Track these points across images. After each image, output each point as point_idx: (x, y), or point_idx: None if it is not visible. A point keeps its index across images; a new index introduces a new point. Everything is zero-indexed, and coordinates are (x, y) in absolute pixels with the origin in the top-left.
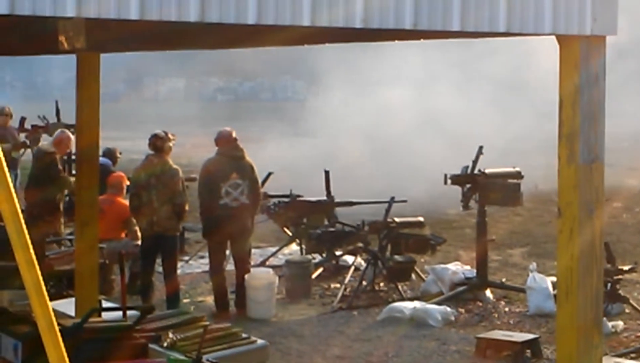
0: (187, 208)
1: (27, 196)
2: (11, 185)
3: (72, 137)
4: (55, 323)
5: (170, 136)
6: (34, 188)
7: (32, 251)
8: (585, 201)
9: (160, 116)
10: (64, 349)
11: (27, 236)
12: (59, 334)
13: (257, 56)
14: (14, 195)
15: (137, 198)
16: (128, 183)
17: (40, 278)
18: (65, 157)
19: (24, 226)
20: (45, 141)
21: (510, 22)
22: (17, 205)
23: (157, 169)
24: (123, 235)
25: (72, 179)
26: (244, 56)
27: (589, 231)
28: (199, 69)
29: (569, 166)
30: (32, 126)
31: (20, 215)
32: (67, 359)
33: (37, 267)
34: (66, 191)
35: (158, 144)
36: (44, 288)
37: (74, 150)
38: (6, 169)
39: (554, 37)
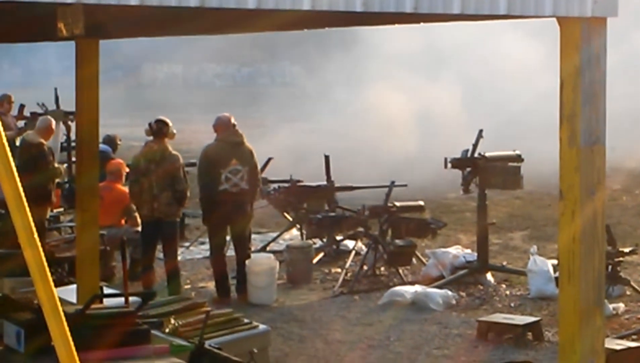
0: (188, 194)
1: None
2: (14, 167)
3: (57, 126)
4: (59, 303)
5: None
6: (21, 179)
7: (35, 233)
8: (586, 183)
9: (159, 102)
10: (67, 329)
11: (30, 218)
12: (62, 314)
13: (255, 41)
14: (16, 177)
15: (137, 184)
16: (127, 170)
17: (44, 259)
18: (65, 144)
19: (27, 208)
20: (30, 131)
21: (511, 5)
22: (20, 187)
23: (156, 156)
24: (123, 221)
25: (64, 166)
26: (241, 42)
27: (590, 213)
28: (196, 55)
29: (570, 148)
30: (31, 113)
31: (23, 197)
32: (70, 338)
33: (41, 249)
34: (66, 178)
35: (164, 129)
36: (47, 269)
37: (73, 137)
38: (9, 151)
39: (554, 19)
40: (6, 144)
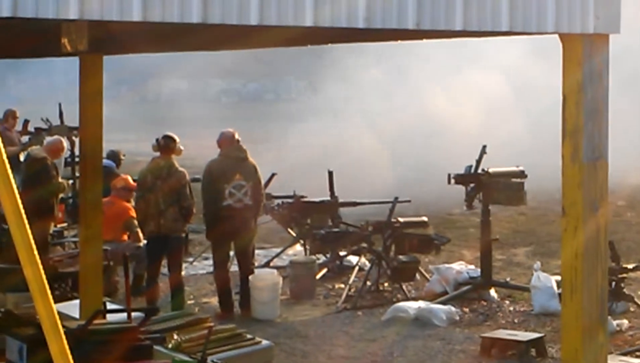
0: (194, 210)
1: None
2: (14, 184)
3: (65, 143)
4: (59, 322)
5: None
6: (25, 194)
7: (35, 249)
8: (589, 199)
9: (164, 117)
10: (67, 346)
11: (30, 235)
12: (62, 332)
13: (260, 56)
14: (16, 193)
15: (144, 200)
16: (134, 184)
17: (44, 277)
18: (69, 159)
19: (27, 224)
20: (35, 146)
21: (513, 21)
22: (19, 203)
23: (163, 171)
24: (125, 237)
25: (67, 181)
26: (247, 57)
27: (593, 229)
28: (201, 71)
29: (573, 164)
30: (36, 128)
31: (23, 213)
32: (70, 356)
33: (41, 266)
34: (70, 194)
35: (171, 145)
36: (47, 287)
37: (77, 152)
38: (8, 166)
39: (556, 35)
40: (6, 160)
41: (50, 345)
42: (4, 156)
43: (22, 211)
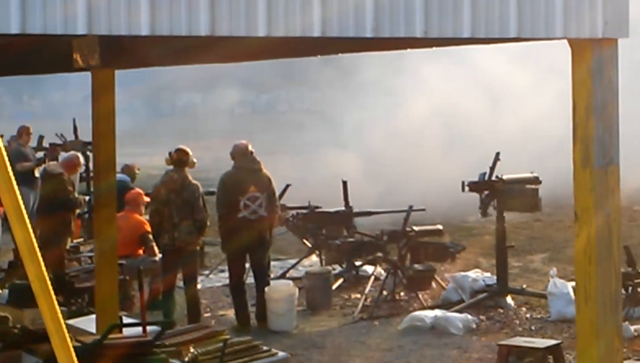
0: (208, 223)
1: (37, 219)
2: (13, 180)
3: (82, 158)
4: (69, 338)
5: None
6: (42, 210)
7: (42, 264)
8: (601, 204)
9: (178, 130)
10: (70, 344)
11: (31, 232)
12: (72, 350)
13: (273, 67)
14: (16, 189)
15: (158, 214)
16: (147, 199)
17: (52, 290)
18: (84, 174)
19: (28, 221)
20: (52, 162)
21: (521, 27)
22: (19, 199)
23: (177, 185)
24: (141, 251)
25: (85, 197)
26: (259, 69)
27: (606, 234)
28: (215, 83)
29: (584, 169)
30: (50, 144)
31: (23, 209)
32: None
33: (47, 278)
34: (86, 209)
35: (184, 159)
36: (55, 302)
37: (92, 167)
38: (10, 170)
39: (565, 41)
40: (5, 156)
41: (59, 360)
42: (4, 152)
43: (23, 208)
